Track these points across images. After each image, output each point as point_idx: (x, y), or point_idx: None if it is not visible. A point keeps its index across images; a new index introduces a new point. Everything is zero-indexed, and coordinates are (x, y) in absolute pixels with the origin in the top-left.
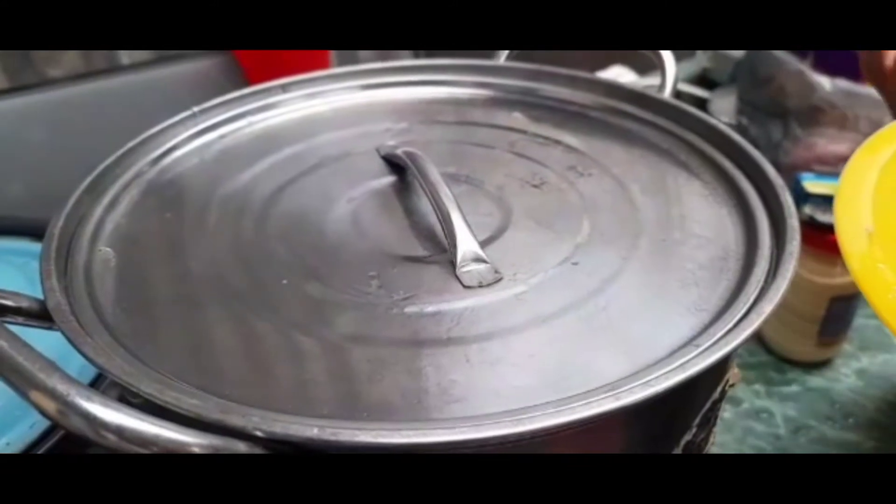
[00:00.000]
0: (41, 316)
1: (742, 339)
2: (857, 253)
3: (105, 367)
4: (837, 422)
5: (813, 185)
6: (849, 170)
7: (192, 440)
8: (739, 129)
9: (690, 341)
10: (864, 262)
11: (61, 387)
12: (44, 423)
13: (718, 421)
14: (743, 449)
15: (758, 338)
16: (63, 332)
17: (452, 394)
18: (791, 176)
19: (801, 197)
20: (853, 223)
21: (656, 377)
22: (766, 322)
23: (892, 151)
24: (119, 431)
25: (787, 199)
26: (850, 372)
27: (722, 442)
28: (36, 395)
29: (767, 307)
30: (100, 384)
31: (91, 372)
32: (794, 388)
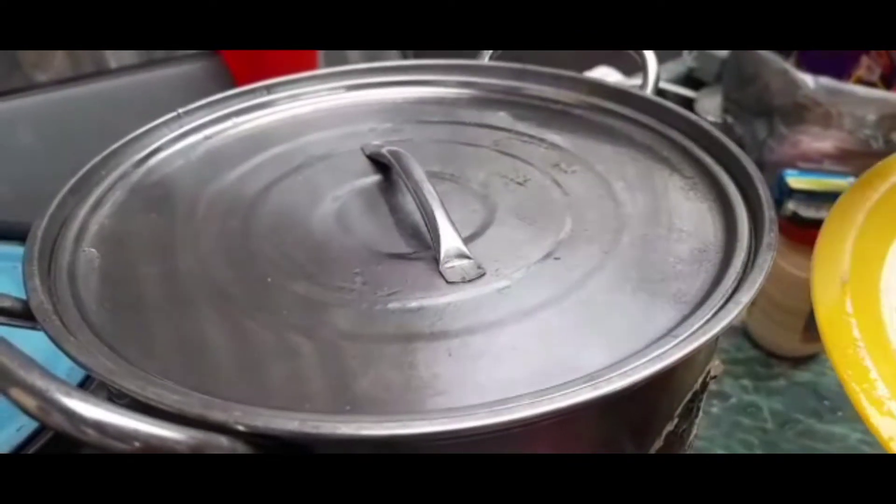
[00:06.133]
0: (24, 316)
1: (719, 328)
2: (827, 301)
3: (88, 364)
4: (824, 415)
5: (797, 181)
6: (835, 209)
7: (172, 435)
8: (725, 127)
9: (669, 332)
10: (831, 311)
11: (40, 383)
12: (31, 427)
13: (701, 412)
14: (731, 443)
15: (744, 333)
16: (46, 331)
17: (436, 387)
18: (776, 173)
19: (786, 193)
20: (829, 270)
21: (634, 367)
22: (743, 312)
23: (884, 190)
24: (99, 427)
25: (765, 191)
26: None
27: (710, 436)
28: (16, 392)
29: (744, 297)
30: (88, 386)
31: (79, 374)
32: (780, 382)
